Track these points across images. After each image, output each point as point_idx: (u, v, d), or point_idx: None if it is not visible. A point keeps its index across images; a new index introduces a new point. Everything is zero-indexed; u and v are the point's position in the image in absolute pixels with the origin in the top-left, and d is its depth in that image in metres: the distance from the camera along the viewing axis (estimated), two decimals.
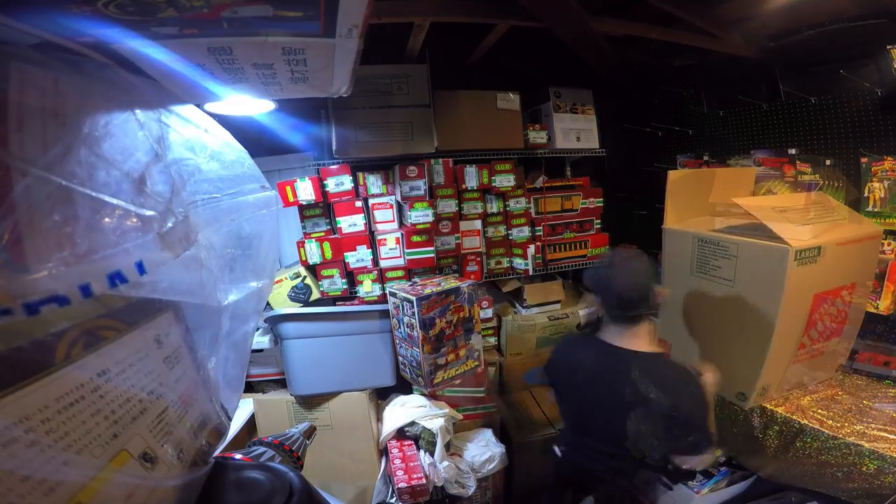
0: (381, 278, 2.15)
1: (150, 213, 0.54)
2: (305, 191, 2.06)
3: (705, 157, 1.99)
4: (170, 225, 0.56)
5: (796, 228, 1.35)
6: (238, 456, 0.81)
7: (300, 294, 2.23)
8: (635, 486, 1.69)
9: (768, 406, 1.52)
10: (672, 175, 1.78)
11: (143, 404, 0.56)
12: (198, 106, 0.87)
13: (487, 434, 2.09)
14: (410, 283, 1.97)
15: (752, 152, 1.61)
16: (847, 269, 1.47)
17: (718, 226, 1.61)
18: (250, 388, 2.22)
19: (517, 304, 2.55)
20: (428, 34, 1.84)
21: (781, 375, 1.51)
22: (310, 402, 2.02)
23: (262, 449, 0.91)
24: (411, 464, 1.87)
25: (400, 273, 2.14)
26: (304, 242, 2.12)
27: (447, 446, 1.96)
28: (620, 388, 1.22)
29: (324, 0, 0.56)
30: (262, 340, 2.13)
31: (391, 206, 2.19)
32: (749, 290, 1.48)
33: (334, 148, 2.01)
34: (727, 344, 1.59)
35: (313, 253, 2.12)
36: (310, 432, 1.10)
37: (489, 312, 2.43)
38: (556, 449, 1.61)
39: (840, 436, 1.32)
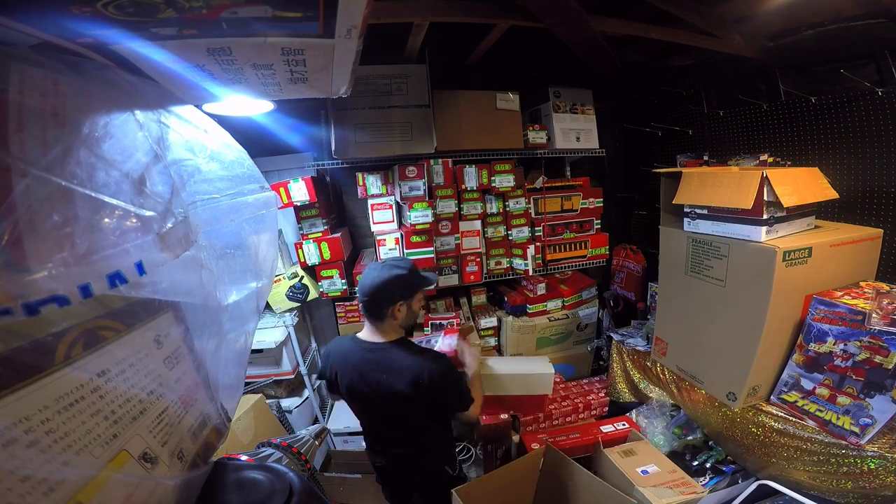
0: None
1: (149, 213, 0.54)
2: (299, 191, 2.05)
3: (705, 157, 2.00)
4: (169, 225, 0.56)
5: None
6: (244, 457, 0.81)
7: (298, 294, 2.23)
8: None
9: (764, 406, 1.52)
10: (665, 175, 1.79)
11: (143, 404, 0.56)
12: (197, 106, 0.87)
13: None
14: None
15: (759, 156, 1.63)
16: (843, 271, 1.47)
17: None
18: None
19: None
20: (427, 34, 1.84)
21: (776, 376, 1.51)
22: None
23: (269, 450, 0.91)
24: None
25: None
26: (301, 244, 2.12)
27: None
28: (378, 376, 1.43)
29: (322, 1, 0.56)
30: (262, 340, 2.14)
31: (391, 207, 2.19)
32: (739, 290, 1.49)
33: (333, 148, 2.02)
34: (719, 344, 1.60)
35: (311, 254, 2.12)
36: (320, 434, 1.10)
37: (493, 321, 2.44)
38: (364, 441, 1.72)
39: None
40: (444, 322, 2.25)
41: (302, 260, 2.14)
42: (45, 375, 0.44)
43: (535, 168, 2.52)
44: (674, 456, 1.87)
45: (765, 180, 1.37)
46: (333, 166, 2.20)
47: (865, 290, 1.42)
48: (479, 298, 2.64)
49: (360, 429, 1.75)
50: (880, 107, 1.56)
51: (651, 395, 2.08)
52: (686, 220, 1.66)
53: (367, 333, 1.51)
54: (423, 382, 1.40)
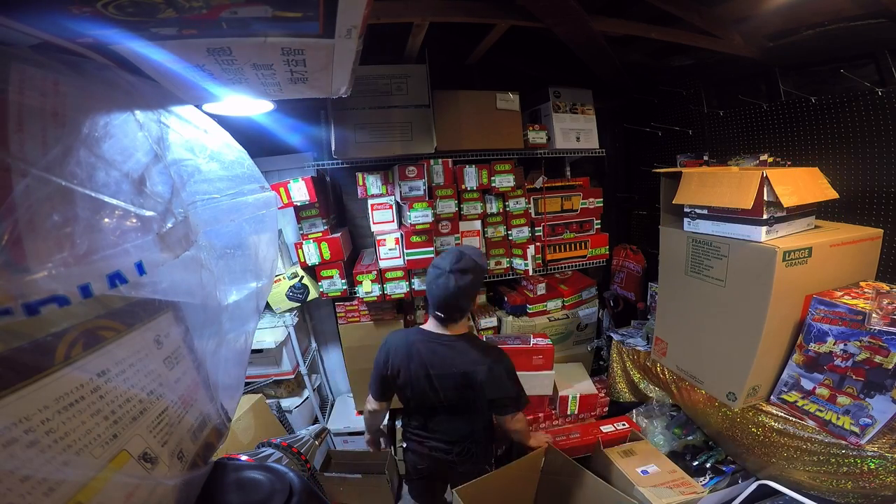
0: (381, 279, 2.15)
1: (149, 213, 0.54)
2: (299, 192, 2.05)
3: (705, 157, 2.00)
4: (169, 225, 0.56)
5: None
6: (244, 457, 0.81)
7: (298, 294, 2.24)
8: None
9: (764, 406, 1.52)
10: (665, 175, 1.80)
11: (142, 404, 0.56)
12: (197, 106, 0.87)
13: None
14: None
15: (759, 156, 1.63)
16: (843, 271, 1.47)
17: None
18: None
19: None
20: (427, 34, 1.84)
21: (776, 376, 1.51)
22: None
23: (269, 450, 0.91)
24: None
25: (399, 273, 2.14)
26: (301, 244, 2.12)
27: None
28: (448, 368, 1.46)
29: (322, 1, 0.56)
30: (262, 340, 2.14)
31: (391, 207, 2.19)
32: (739, 290, 1.49)
33: (333, 148, 2.02)
34: (719, 344, 1.60)
35: (311, 254, 2.12)
36: (320, 434, 1.10)
37: (493, 321, 2.44)
38: (404, 443, 1.73)
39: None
40: None
41: (302, 260, 2.14)
42: (45, 375, 0.44)
43: (535, 168, 2.52)
44: (674, 456, 1.87)
45: (765, 180, 1.37)
46: (333, 166, 2.19)
47: (865, 290, 1.42)
48: (479, 298, 2.64)
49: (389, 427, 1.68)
50: (880, 107, 1.56)
51: (651, 395, 2.08)
52: (686, 220, 1.66)
53: (435, 326, 1.53)
54: (487, 375, 1.43)
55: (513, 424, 1.57)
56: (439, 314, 1.48)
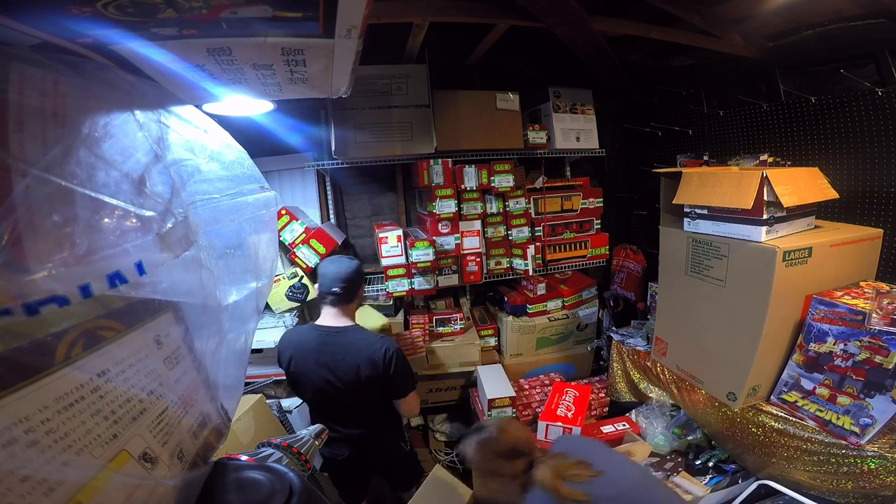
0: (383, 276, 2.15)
1: (149, 213, 0.54)
2: None
3: (705, 157, 2.00)
4: (169, 225, 0.56)
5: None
6: (244, 457, 0.81)
7: (297, 293, 2.23)
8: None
9: (764, 406, 1.52)
10: (665, 175, 1.79)
11: (142, 404, 0.56)
12: (197, 106, 0.87)
13: None
14: None
15: (759, 156, 1.63)
16: (843, 271, 1.47)
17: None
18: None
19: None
20: (427, 34, 1.84)
21: (776, 376, 1.51)
22: None
23: (269, 451, 0.91)
24: None
25: (401, 272, 2.14)
26: (295, 245, 2.11)
27: None
28: (342, 357, 1.54)
29: (322, 1, 0.56)
30: (262, 340, 2.14)
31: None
32: (739, 290, 1.49)
33: (333, 148, 2.02)
34: (719, 344, 1.60)
35: (308, 255, 2.12)
36: (321, 434, 1.10)
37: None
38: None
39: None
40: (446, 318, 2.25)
41: (303, 266, 2.14)
42: (45, 375, 0.44)
43: (535, 168, 2.52)
44: (677, 454, 1.87)
45: (765, 180, 1.37)
46: (333, 166, 2.20)
47: (865, 290, 1.42)
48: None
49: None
50: (880, 107, 1.56)
51: (651, 395, 2.08)
52: (686, 220, 1.66)
53: (329, 319, 1.60)
54: (383, 357, 1.53)
55: (407, 407, 1.67)
56: (336, 290, 1.56)
